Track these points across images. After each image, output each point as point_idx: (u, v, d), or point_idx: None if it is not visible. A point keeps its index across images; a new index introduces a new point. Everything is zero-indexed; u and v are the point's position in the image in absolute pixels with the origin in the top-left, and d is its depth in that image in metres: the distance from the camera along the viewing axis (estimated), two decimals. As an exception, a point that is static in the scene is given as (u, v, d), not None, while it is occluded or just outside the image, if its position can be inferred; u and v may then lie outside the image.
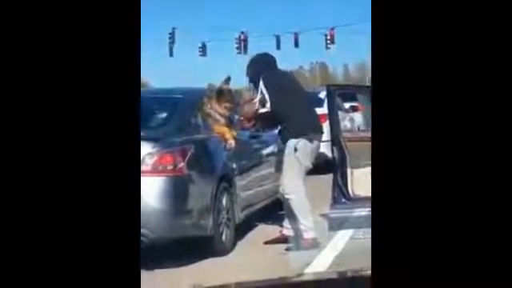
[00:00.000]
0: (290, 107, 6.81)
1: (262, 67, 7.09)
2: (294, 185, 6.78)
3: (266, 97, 6.81)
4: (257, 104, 6.98)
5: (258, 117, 7.17)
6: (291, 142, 6.79)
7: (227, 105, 7.17)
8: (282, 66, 7.38)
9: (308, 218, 6.74)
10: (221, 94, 7.20)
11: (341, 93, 10.29)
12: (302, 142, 6.76)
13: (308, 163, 6.88)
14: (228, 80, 7.56)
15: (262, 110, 6.90)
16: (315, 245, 6.67)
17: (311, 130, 6.84)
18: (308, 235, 6.70)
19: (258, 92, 6.97)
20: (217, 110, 7.12)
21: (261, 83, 6.87)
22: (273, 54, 7.57)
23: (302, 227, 6.71)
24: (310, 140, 6.81)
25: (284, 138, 6.95)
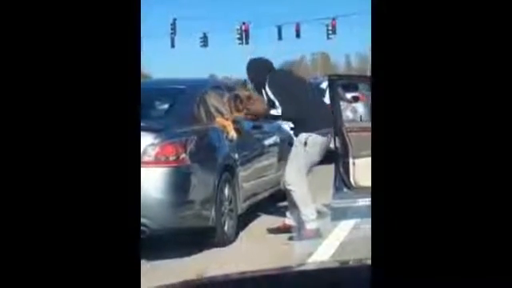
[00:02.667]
0: (299, 106, 6.83)
1: (262, 70, 7.11)
2: (297, 178, 6.79)
3: (275, 100, 6.84)
4: (265, 102, 7.03)
5: (267, 117, 7.25)
6: (302, 136, 6.83)
7: (245, 111, 7.21)
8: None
9: (310, 210, 6.75)
10: (241, 100, 7.22)
11: (343, 83, 10.30)
12: (312, 137, 6.79)
13: (316, 157, 6.90)
14: (245, 84, 7.61)
15: (273, 112, 6.95)
16: (318, 235, 6.69)
17: (323, 124, 6.84)
18: (310, 226, 6.73)
19: (262, 94, 7.02)
20: (233, 113, 7.17)
21: (267, 87, 6.90)
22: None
23: (304, 218, 6.73)
24: (322, 134, 6.83)
25: (297, 133, 7.02)
